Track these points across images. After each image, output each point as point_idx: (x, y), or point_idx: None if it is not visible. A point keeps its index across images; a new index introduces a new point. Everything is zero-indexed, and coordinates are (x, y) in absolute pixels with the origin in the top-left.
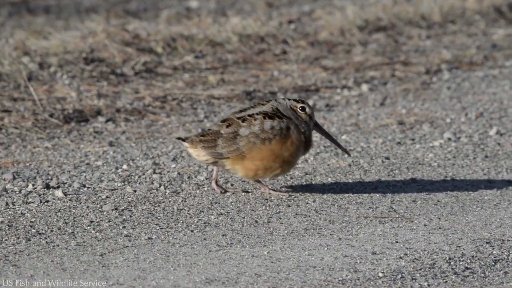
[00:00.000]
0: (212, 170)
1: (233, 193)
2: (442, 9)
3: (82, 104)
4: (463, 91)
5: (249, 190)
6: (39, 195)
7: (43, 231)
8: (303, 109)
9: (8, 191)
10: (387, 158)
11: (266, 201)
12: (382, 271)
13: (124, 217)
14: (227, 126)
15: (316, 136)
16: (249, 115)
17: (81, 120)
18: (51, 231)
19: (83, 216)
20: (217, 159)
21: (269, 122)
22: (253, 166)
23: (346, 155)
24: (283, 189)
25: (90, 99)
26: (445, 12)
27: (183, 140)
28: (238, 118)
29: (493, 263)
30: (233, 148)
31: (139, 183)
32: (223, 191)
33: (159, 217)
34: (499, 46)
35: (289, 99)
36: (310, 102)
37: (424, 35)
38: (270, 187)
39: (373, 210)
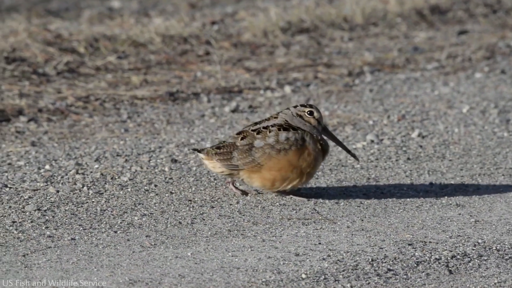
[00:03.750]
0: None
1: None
2: (364, 12)
3: (3, 104)
4: (385, 94)
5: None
6: None
7: None
8: (311, 113)
9: None
10: None
11: (189, 202)
12: (305, 273)
13: (46, 217)
14: (242, 138)
15: None
16: (264, 128)
17: (2, 120)
18: None
19: (5, 216)
20: (233, 171)
21: (284, 133)
22: (270, 177)
23: (354, 160)
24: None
25: (12, 99)
26: (367, 14)
27: (199, 151)
28: (253, 130)
29: (415, 265)
30: (249, 160)
31: (62, 183)
32: (242, 193)
33: (82, 218)
34: (420, 49)
35: (294, 106)
36: (233, 104)
37: (346, 37)
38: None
39: (296, 212)
